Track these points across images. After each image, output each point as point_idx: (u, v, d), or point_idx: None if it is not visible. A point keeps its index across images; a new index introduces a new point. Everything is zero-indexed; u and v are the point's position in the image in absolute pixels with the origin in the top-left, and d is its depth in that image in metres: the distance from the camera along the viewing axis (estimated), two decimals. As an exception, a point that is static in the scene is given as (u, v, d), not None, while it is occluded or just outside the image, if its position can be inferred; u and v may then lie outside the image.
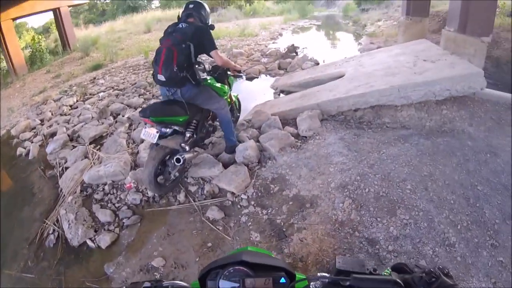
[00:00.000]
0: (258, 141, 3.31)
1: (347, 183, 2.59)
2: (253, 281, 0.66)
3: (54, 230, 3.00)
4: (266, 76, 6.10)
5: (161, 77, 2.56)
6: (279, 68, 6.26)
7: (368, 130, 3.26)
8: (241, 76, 3.27)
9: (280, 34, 11.26)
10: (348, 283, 0.61)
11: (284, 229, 2.42)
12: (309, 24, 13.49)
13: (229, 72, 3.16)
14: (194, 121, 2.88)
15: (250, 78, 6.10)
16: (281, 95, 4.83)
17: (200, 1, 2.86)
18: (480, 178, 2.66)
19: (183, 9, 2.84)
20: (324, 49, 8.11)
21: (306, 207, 2.52)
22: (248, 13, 17.66)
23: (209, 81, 2.95)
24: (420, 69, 3.69)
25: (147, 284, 0.69)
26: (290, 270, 0.70)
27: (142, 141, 3.73)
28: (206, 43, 2.64)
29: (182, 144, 2.69)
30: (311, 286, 0.68)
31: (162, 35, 2.74)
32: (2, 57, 12.50)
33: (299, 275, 0.74)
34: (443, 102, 3.39)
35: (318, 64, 6.04)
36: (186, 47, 2.51)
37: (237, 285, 0.66)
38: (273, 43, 9.67)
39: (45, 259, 2.83)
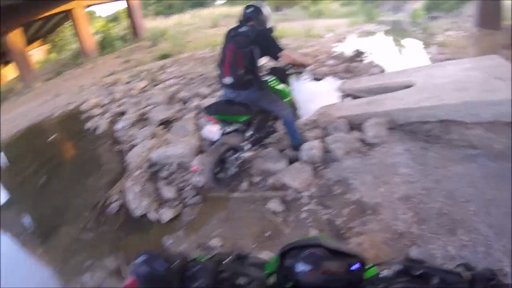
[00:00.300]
0: (323, 142, 3.55)
1: (411, 196, 2.71)
2: (328, 264, 0.82)
3: (118, 199, 3.54)
4: (332, 78, 6.37)
5: (226, 80, 2.92)
6: (346, 71, 6.49)
7: (435, 144, 3.35)
8: (300, 72, 3.54)
9: (346, 37, 11.50)
10: (418, 272, 0.72)
11: (342, 231, 2.58)
12: (375, 29, 13.57)
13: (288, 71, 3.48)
14: (255, 121, 3.23)
15: (316, 79, 6.45)
16: (348, 98, 5.03)
17: (258, 4, 3.12)
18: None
19: (242, 13, 3.13)
20: (391, 55, 8.18)
21: (367, 213, 2.68)
22: (313, 14, 18.32)
23: (269, 82, 3.28)
24: (491, 86, 3.65)
25: (237, 254, 0.88)
26: (362, 258, 0.85)
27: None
28: (271, 45, 2.93)
29: (242, 143, 3.06)
30: (382, 275, 0.81)
31: (224, 39, 3.06)
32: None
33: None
34: (514, 125, 3.42)
35: (385, 70, 6.15)
36: (250, 50, 2.84)
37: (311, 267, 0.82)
38: (339, 45, 9.92)
39: (105, 224, 3.37)
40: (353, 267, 0.82)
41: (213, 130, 2.88)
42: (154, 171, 3.72)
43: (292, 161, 3.38)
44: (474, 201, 2.61)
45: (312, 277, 0.81)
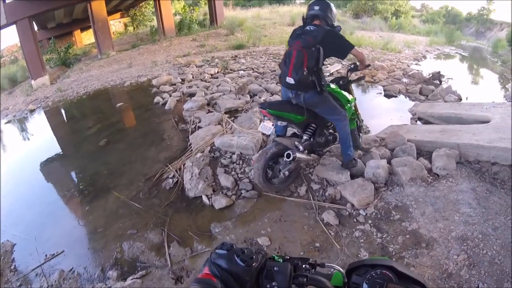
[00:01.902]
0: (389, 162, 3.54)
1: (468, 238, 2.69)
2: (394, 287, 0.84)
3: (174, 176, 3.76)
4: (406, 97, 6.30)
5: (290, 80, 2.89)
6: (420, 93, 6.42)
7: (501, 189, 3.29)
8: (360, 80, 3.46)
9: (424, 56, 11.26)
10: None
11: (393, 259, 2.53)
12: (455, 52, 13.21)
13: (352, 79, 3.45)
14: (313, 125, 3.21)
15: (388, 96, 6.40)
16: (418, 122, 5.07)
17: (327, 0, 3.04)
18: None
19: (307, 9, 3.07)
20: (468, 84, 7.89)
21: (421, 246, 2.67)
22: (393, 27, 18.23)
23: (332, 87, 3.24)
24: None
25: (312, 261, 0.91)
26: (427, 287, 0.86)
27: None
28: (342, 44, 2.89)
29: (296, 143, 3.04)
30: None
31: (290, 37, 3.04)
32: (154, 17, 15.77)
33: None
34: None
35: (460, 99, 6.04)
36: (316, 50, 2.78)
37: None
38: (415, 64, 9.73)
39: (156, 197, 3.58)
40: None
41: (266, 125, 2.96)
42: (214, 157, 3.88)
43: (355, 176, 3.37)
44: None
45: None
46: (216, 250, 0.76)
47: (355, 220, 2.98)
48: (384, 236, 2.81)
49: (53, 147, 5.56)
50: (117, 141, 5.18)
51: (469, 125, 4.27)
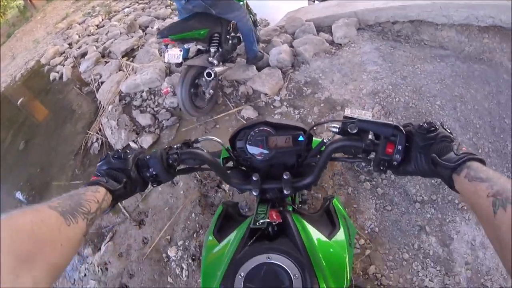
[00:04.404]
0: (291, 46, 3.66)
1: (379, 91, 2.93)
2: (275, 139, 0.93)
3: (97, 138, 3.71)
4: None
5: None
6: None
7: (405, 44, 3.56)
8: None
9: None
10: (355, 130, 0.76)
11: (314, 128, 2.75)
12: None
13: None
14: (216, 35, 3.08)
15: None
16: (316, 2, 5.22)
17: None
18: (509, 112, 2.90)
19: None
20: None
21: (336, 109, 2.91)
22: None
23: None
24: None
25: (185, 141, 0.95)
26: (307, 130, 0.94)
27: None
28: None
29: (210, 59, 2.97)
30: (325, 140, 0.89)
31: None
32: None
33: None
34: (486, 30, 3.50)
35: None
36: None
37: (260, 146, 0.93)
38: None
39: (91, 165, 3.59)
40: (299, 139, 0.92)
41: (173, 53, 2.81)
42: (126, 102, 3.80)
43: (261, 68, 3.45)
44: (440, 97, 2.89)
45: (262, 153, 0.93)
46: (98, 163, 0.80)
47: (272, 106, 3.15)
48: (301, 111, 3.00)
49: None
50: (34, 137, 4.92)
51: None
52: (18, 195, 4.30)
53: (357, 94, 2.97)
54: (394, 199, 2.32)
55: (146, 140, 3.23)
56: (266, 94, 3.22)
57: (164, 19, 5.55)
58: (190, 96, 2.96)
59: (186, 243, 2.44)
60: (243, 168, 1.03)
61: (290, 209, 0.97)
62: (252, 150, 0.94)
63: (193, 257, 2.37)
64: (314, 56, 3.47)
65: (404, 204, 2.30)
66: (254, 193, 0.91)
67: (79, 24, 7.29)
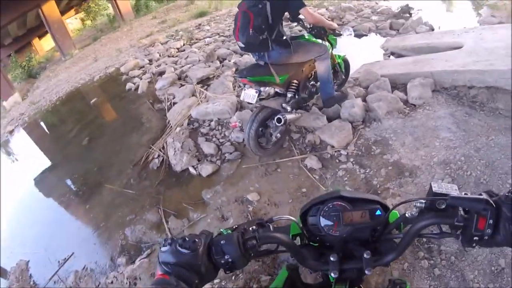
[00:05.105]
0: (364, 100, 3.61)
1: (451, 161, 2.78)
2: (350, 214, 0.87)
3: (159, 155, 3.86)
4: (376, 35, 6.28)
5: (239, 43, 2.84)
6: (391, 28, 6.37)
7: (480, 112, 3.37)
8: (340, 35, 3.38)
9: None
10: (444, 205, 0.74)
11: (379, 191, 2.68)
12: None
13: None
14: (295, 82, 3.15)
15: (358, 35, 6.32)
16: (391, 57, 5.09)
17: None
18: None
19: None
20: (439, 14, 7.80)
21: (404, 175, 2.77)
22: None
23: (306, 37, 3.16)
24: (546, 57, 3.45)
25: (259, 220, 0.90)
26: (385, 203, 0.90)
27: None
28: (290, 1, 2.78)
29: (283, 104, 3.03)
30: (407, 214, 0.83)
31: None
32: (109, 5, 15.27)
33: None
34: None
35: (433, 29, 5.98)
36: (263, 7, 2.67)
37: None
38: (383, 0, 9.54)
39: (147, 179, 3.71)
40: (376, 214, 0.87)
41: (249, 94, 2.90)
42: (194, 128, 3.96)
43: (331, 119, 3.43)
44: None
45: (337, 229, 0.88)
46: (160, 249, 0.74)
47: (337, 161, 3.08)
48: (367, 171, 2.90)
49: (40, 160, 5.62)
50: (99, 136, 5.26)
51: (442, 53, 4.27)
52: (69, 183, 4.56)
53: (427, 161, 2.83)
54: (450, 283, 2.15)
55: (206, 169, 3.32)
56: (333, 147, 3.18)
57: (241, 55, 5.80)
58: (257, 135, 3.01)
59: (223, 283, 2.39)
60: (314, 244, 0.97)
61: None
62: (326, 226, 0.89)
63: (229, 301, 2.33)
64: (387, 115, 3.39)
65: (459, 290, 2.14)
66: (333, 275, 0.84)
67: (162, 44, 7.90)
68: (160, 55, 7.06)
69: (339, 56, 3.63)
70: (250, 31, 2.66)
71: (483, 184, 2.58)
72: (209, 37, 7.46)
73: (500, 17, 6.88)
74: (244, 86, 2.95)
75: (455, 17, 7.60)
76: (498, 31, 4.59)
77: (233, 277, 2.40)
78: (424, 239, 2.31)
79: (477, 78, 3.52)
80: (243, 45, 2.80)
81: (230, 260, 0.75)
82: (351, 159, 3.05)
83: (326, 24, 3.06)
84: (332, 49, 3.39)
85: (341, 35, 3.34)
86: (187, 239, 0.73)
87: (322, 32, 3.15)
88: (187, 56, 6.26)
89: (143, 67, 6.77)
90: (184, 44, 7.35)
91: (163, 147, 3.91)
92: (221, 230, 0.82)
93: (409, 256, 2.34)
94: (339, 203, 0.88)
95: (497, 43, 4.01)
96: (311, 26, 3.12)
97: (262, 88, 2.92)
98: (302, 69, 3.14)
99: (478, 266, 2.18)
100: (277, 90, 3.04)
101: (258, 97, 2.88)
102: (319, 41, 3.14)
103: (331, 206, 0.88)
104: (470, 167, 2.71)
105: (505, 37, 4.20)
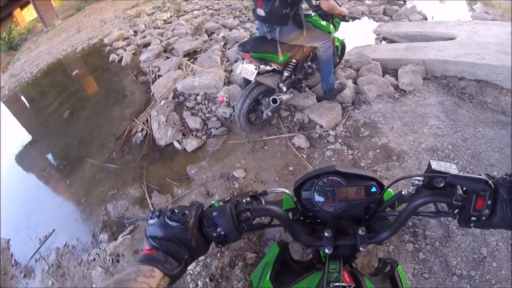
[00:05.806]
0: (355, 82, 3.61)
1: (438, 149, 2.82)
2: (345, 190, 0.84)
3: (142, 129, 3.72)
4: (369, 19, 6.27)
5: (260, 12, 2.63)
6: (384, 13, 6.40)
7: (469, 103, 3.46)
8: (346, 21, 3.27)
9: None
10: (442, 184, 0.74)
11: (377, 171, 2.68)
12: None
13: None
14: (294, 61, 3.04)
15: (351, 18, 6.23)
16: (383, 42, 5.18)
17: None
18: None
19: None
20: (434, 5, 7.90)
21: (392, 159, 2.79)
22: None
23: (313, 17, 2.98)
24: (538, 57, 3.55)
25: (253, 193, 0.85)
26: (380, 181, 0.86)
27: (236, 60, 4.25)
28: None
29: (280, 84, 2.91)
30: (403, 192, 0.80)
31: None
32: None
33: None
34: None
35: (426, 19, 6.13)
36: None
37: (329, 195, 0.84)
38: None
39: (130, 154, 3.59)
40: (372, 190, 0.84)
41: (249, 69, 2.77)
42: (179, 101, 3.82)
43: (321, 98, 3.38)
44: (498, 167, 2.72)
45: (332, 205, 0.84)
46: (147, 222, 0.68)
47: (325, 141, 3.08)
48: (355, 152, 2.92)
49: (21, 135, 5.39)
50: (81, 109, 5.04)
51: (435, 42, 4.36)
52: (50, 158, 4.39)
53: (415, 147, 2.87)
54: (433, 268, 2.16)
55: (191, 144, 3.22)
56: (321, 126, 3.15)
57: (231, 29, 5.64)
58: (248, 110, 2.92)
59: (208, 260, 2.33)
60: (307, 220, 0.94)
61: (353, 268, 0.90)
62: (320, 201, 0.85)
63: (211, 277, 2.26)
64: (377, 98, 3.42)
65: (442, 275, 2.14)
66: (327, 251, 0.80)
67: (148, 15, 7.61)
68: (145, 27, 6.79)
69: (338, 39, 3.57)
70: (277, 2, 2.52)
71: (469, 173, 2.57)
72: (198, 9, 7.24)
73: (494, 15, 6.96)
74: (243, 60, 2.85)
75: (449, 9, 7.68)
76: (491, 27, 4.71)
77: (218, 254, 2.35)
78: (416, 219, 2.33)
79: (468, 70, 3.60)
80: (263, 14, 2.62)
81: (222, 233, 0.71)
82: (340, 140, 3.04)
83: (338, 11, 2.99)
84: (335, 32, 3.30)
85: (347, 21, 3.23)
86: (176, 211, 0.68)
87: (329, 14, 3.05)
88: (174, 29, 6.05)
89: (128, 38, 6.52)
90: (171, 16, 7.11)
91: (147, 121, 3.78)
92: (213, 202, 0.78)
93: (395, 238, 2.33)
94: (334, 178, 0.85)
95: (490, 39, 4.10)
96: (317, 4, 2.96)
97: (262, 66, 2.80)
98: (303, 50, 3.03)
99: (461, 253, 2.20)
100: (274, 67, 2.92)
101: (256, 74, 2.77)
102: (326, 26, 3.01)
103: (326, 181, 0.85)
104: (457, 156, 2.76)
105: (498, 34, 4.31)
